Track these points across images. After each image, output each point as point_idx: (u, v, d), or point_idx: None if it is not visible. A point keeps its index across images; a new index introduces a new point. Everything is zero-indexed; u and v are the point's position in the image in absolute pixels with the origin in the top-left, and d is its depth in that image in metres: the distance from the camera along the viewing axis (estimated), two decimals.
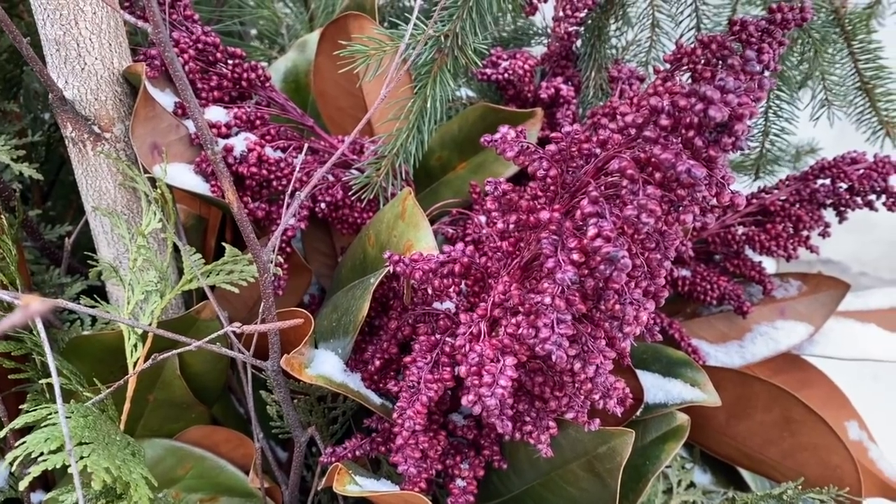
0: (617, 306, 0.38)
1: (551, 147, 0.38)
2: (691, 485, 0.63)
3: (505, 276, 0.43)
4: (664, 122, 0.33)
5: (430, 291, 0.44)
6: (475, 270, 0.44)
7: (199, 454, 0.55)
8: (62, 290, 0.55)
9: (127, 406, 0.49)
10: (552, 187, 0.39)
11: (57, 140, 0.65)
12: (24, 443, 0.38)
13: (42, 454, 0.38)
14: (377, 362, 0.49)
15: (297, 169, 0.49)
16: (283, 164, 0.54)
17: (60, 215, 0.71)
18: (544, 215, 0.37)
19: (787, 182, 0.66)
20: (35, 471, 0.36)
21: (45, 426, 0.39)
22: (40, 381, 0.48)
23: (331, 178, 0.58)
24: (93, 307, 0.48)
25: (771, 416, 0.61)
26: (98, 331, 0.53)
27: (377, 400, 0.48)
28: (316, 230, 0.66)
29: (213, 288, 0.55)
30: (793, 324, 0.68)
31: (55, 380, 0.34)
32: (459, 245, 0.44)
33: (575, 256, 0.36)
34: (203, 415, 0.56)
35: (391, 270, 0.43)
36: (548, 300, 0.37)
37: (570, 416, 0.44)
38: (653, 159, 0.34)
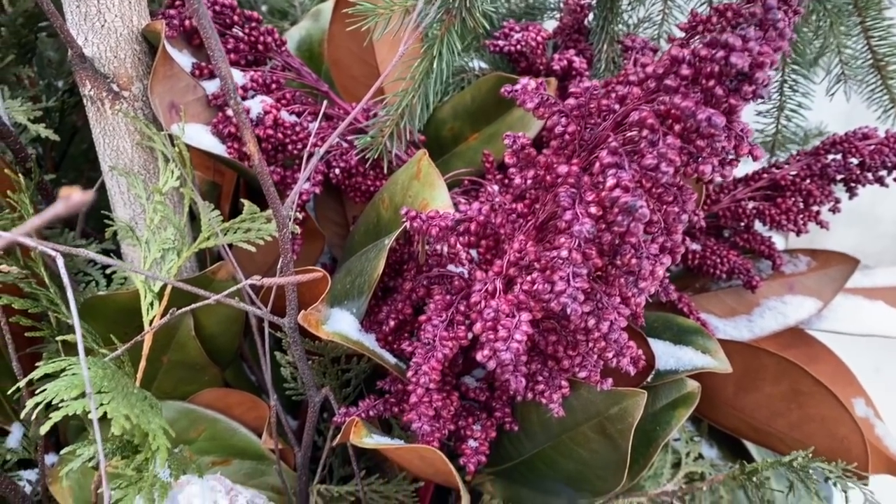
0: (633, 261, 0.38)
1: (571, 101, 0.38)
2: (699, 456, 0.64)
3: (521, 235, 0.43)
4: (685, 71, 0.33)
5: (445, 250, 0.44)
6: (490, 231, 0.45)
7: (212, 416, 0.55)
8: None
9: (142, 365, 0.49)
10: (570, 143, 0.40)
11: (71, 107, 0.66)
12: (44, 390, 0.38)
13: (63, 401, 0.39)
14: (392, 323, 0.49)
15: (313, 134, 0.49)
16: (299, 128, 0.54)
17: (72, 183, 0.71)
18: (562, 169, 0.38)
19: (798, 157, 0.66)
20: (56, 416, 0.37)
21: (65, 375, 0.40)
22: (57, 339, 0.49)
23: (345, 144, 0.58)
24: (106, 262, 0.48)
25: (779, 389, 0.61)
26: (113, 291, 0.53)
27: (392, 359, 0.48)
28: (328, 199, 0.66)
29: (230, 248, 0.55)
30: (801, 298, 0.68)
31: (75, 318, 0.34)
32: (475, 204, 0.44)
33: (592, 210, 0.37)
34: (216, 377, 0.56)
35: (408, 226, 0.43)
36: (564, 254, 0.38)
37: (582, 375, 0.44)
38: (672, 111, 0.35)
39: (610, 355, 0.43)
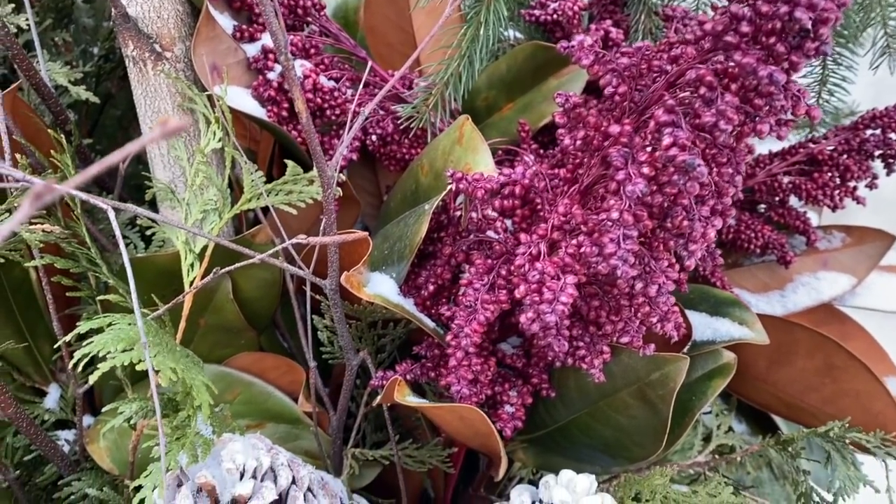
0: (685, 223, 0.38)
1: (623, 60, 0.38)
2: (730, 429, 0.63)
3: (565, 199, 0.43)
4: (745, 28, 0.33)
5: (489, 212, 0.44)
6: (533, 195, 0.45)
7: (248, 380, 0.56)
8: (116, 215, 0.56)
9: (182, 326, 0.50)
10: (620, 105, 0.39)
11: (106, 73, 0.66)
12: (91, 342, 0.39)
13: (109, 353, 0.39)
14: (430, 287, 0.49)
15: (349, 99, 0.49)
16: (337, 93, 0.54)
17: (105, 152, 0.72)
18: (614, 129, 0.37)
19: (835, 132, 0.66)
20: (104, 366, 0.37)
21: (112, 329, 0.40)
22: (98, 298, 0.49)
23: (381, 112, 0.58)
24: (153, 217, 0.48)
25: (813, 363, 0.61)
26: (153, 253, 0.54)
27: (431, 323, 0.48)
28: (361, 168, 0.66)
29: (266, 214, 0.55)
30: (835, 275, 0.68)
31: (128, 268, 0.35)
32: (519, 168, 0.44)
33: (645, 170, 0.36)
34: (252, 341, 0.57)
35: (453, 188, 0.43)
36: (615, 215, 0.37)
37: (624, 340, 0.44)
38: (730, 70, 0.34)
39: (654, 320, 0.43)
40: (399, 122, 0.57)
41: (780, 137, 0.35)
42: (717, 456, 0.57)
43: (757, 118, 0.34)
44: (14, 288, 0.57)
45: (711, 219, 0.38)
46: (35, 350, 0.59)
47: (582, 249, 0.40)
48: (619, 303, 0.44)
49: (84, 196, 0.36)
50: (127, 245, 0.55)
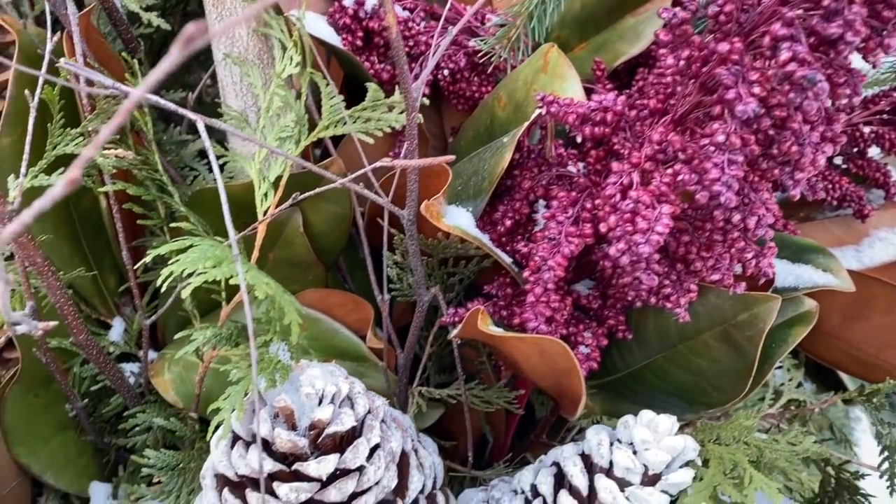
0: (793, 148, 0.36)
1: None
2: (800, 385, 0.62)
3: (660, 127, 0.41)
4: None
5: (578, 140, 0.42)
6: (624, 124, 0.43)
7: (315, 316, 0.55)
8: (184, 147, 0.55)
9: (255, 256, 0.49)
10: (725, 25, 0.37)
11: (172, 5, 0.65)
12: (177, 260, 0.38)
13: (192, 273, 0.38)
14: (507, 223, 0.48)
15: (423, 31, 0.47)
16: (411, 23, 0.53)
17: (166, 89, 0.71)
18: (723, 47, 0.35)
19: None
20: (196, 281, 0.36)
21: (195, 250, 0.39)
22: (170, 225, 0.49)
23: (454, 46, 0.56)
24: (238, 134, 0.47)
25: (891, 318, 0.59)
26: (224, 183, 0.53)
27: (507, 259, 0.47)
28: (426, 110, 0.65)
29: (335, 145, 0.54)
30: None
31: (217, 174, 0.34)
32: (611, 94, 0.43)
33: (756, 90, 0.35)
34: (319, 277, 0.56)
35: (544, 111, 0.42)
36: (720, 138, 0.36)
37: (715, 277, 0.43)
38: None
39: (749, 256, 0.41)
40: (472, 57, 0.55)
41: None
42: (792, 408, 0.55)
43: (884, 32, 0.32)
44: (82, 218, 0.56)
45: (821, 145, 0.36)
46: (100, 282, 0.59)
47: (679, 178, 0.38)
48: (712, 238, 0.42)
49: (172, 106, 0.35)
50: (195, 178, 0.55)
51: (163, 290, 0.57)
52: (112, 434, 0.60)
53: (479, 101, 0.58)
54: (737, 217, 0.39)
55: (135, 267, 0.52)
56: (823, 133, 0.36)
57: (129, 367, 0.59)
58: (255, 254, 0.49)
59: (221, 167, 0.54)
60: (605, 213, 0.41)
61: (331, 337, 0.55)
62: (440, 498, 0.48)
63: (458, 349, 0.52)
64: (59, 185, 0.19)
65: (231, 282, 0.36)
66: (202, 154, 0.56)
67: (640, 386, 0.52)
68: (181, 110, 0.36)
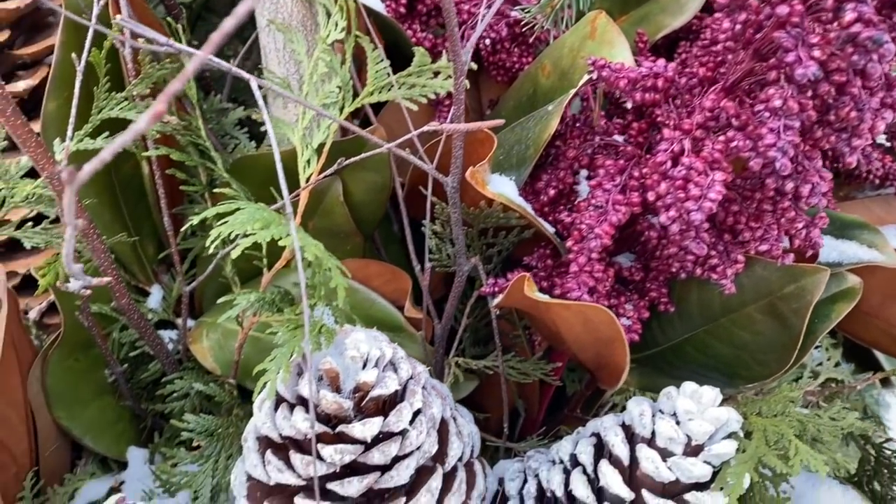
0: (853, 114, 0.35)
1: None
2: (837, 364, 0.61)
3: (711, 94, 0.40)
4: None
5: (628, 106, 0.42)
6: (673, 91, 0.42)
7: (353, 286, 0.55)
8: (224, 115, 0.55)
9: (297, 221, 0.49)
10: None
11: None
12: (226, 222, 0.38)
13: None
14: (551, 192, 0.47)
15: (465, 0, 0.47)
16: None
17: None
18: (782, 10, 0.35)
19: None
20: (245, 242, 0.36)
21: (241, 213, 0.39)
22: (214, 190, 0.49)
23: (495, 15, 0.56)
24: (285, 95, 0.47)
25: None
26: (265, 150, 0.53)
27: (550, 228, 0.47)
28: None
29: (376, 114, 0.54)
30: None
31: (271, 134, 0.34)
32: (661, 61, 0.42)
33: (816, 53, 0.34)
34: (358, 247, 0.56)
35: (595, 76, 0.41)
36: (777, 103, 0.35)
37: (763, 248, 0.42)
38: None
39: (799, 226, 0.41)
40: (513, 28, 0.55)
41: None
42: (833, 385, 0.55)
43: None
44: (123, 184, 0.57)
45: (881, 111, 0.35)
46: (140, 249, 0.60)
47: (733, 144, 0.38)
48: (761, 208, 0.42)
49: (225, 65, 0.35)
50: (235, 146, 0.55)
51: (206, 254, 0.57)
52: (149, 400, 0.61)
53: (518, 72, 0.58)
54: (790, 185, 0.38)
55: (176, 233, 0.53)
56: (883, 99, 0.36)
57: (167, 335, 0.59)
58: (298, 220, 0.49)
59: (263, 135, 0.54)
60: (653, 182, 0.41)
61: (368, 307, 0.55)
62: (477, 466, 0.48)
63: (497, 320, 0.52)
64: (145, 117, 0.19)
65: (281, 243, 0.36)
66: (242, 123, 0.56)
67: (679, 360, 0.51)
68: (239, 72, 0.36)
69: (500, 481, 0.52)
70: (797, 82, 0.34)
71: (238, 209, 0.41)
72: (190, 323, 0.60)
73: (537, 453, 0.52)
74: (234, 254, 0.36)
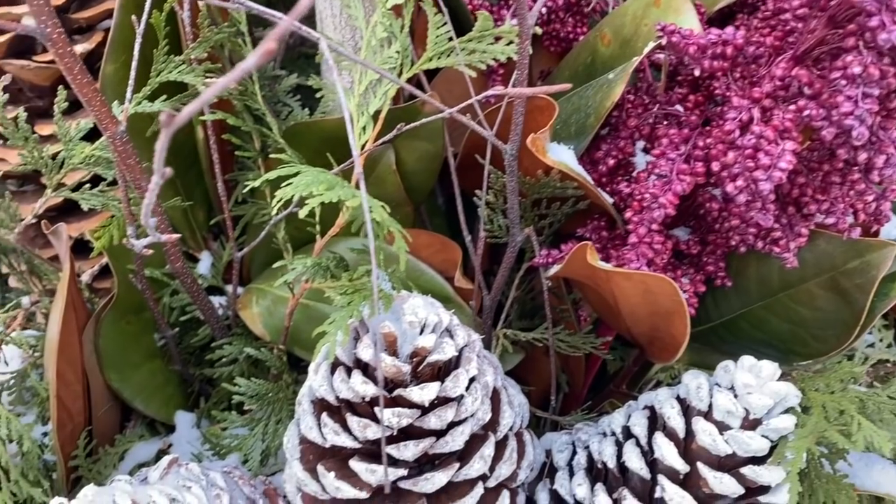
0: None
1: None
2: (890, 345, 0.60)
3: (782, 63, 0.40)
4: None
5: (696, 73, 0.41)
6: (742, 59, 0.42)
7: None
8: (277, 83, 0.55)
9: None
10: None
11: None
12: (290, 184, 0.38)
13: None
14: (611, 161, 0.47)
15: None
16: None
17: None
18: None
19: None
20: (314, 202, 0.36)
21: (303, 175, 0.39)
22: (271, 156, 0.49)
23: None
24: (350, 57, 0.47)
25: None
26: (320, 118, 0.53)
27: (609, 199, 0.46)
28: None
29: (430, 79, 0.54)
30: None
31: (341, 93, 0.34)
32: (729, 28, 0.41)
33: None
34: (408, 217, 0.56)
35: (664, 42, 0.41)
36: (856, 69, 0.34)
37: (829, 221, 0.42)
38: None
39: (869, 199, 0.40)
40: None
41: None
42: (890, 364, 0.54)
43: None
44: (176, 150, 0.57)
45: None
46: (190, 215, 0.60)
47: (805, 113, 0.37)
48: (829, 180, 0.41)
49: (306, 29, 0.35)
50: (288, 114, 0.55)
51: (257, 221, 0.58)
52: (196, 365, 0.61)
53: (573, 42, 0.57)
54: (863, 156, 0.38)
55: (228, 200, 0.53)
56: None
57: (216, 300, 0.60)
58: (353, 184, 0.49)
59: (315, 104, 0.54)
60: (718, 152, 0.40)
61: (416, 277, 0.55)
62: (527, 436, 0.48)
63: (547, 292, 0.51)
64: (254, 56, 0.19)
65: (350, 203, 0.36)
66: (294, 90, 0.56)
67: (733, 336, 0.51)
68: (309, 31, 0.35)
69: (547, 453, 0.52)
70: (879, 48, 0.33)
71: (299, 173, 0.41)
72: (238, 290, 0.61)
73: (586, 426, 0.52)
74: (302, 213, 0.36)
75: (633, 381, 0.62)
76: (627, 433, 0.46)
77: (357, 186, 0.53)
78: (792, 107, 0.38)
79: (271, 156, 0.49)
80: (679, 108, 0.46)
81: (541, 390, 0.62)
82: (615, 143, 0.47)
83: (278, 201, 0.38)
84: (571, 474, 0.48)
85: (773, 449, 0.42)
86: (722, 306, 0.50)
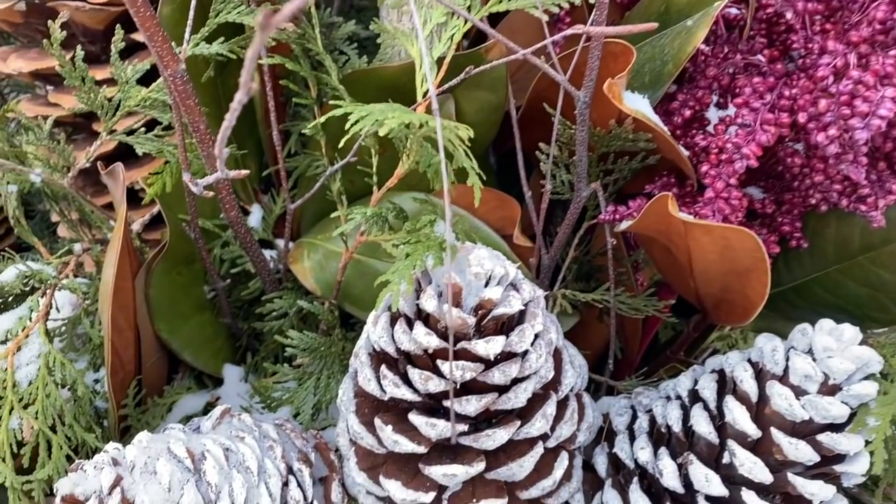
0: None
1: None
2: None
3: (882, 6, 0.37)
4: None
5: (788, 16, 0.39)
6: (838, 2, 0.39)
7: (457, 212, 0.54)
8: (334, 29, 0.54)
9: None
10: None
11: None
12: (349, 113, 0.37)
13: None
14: (687, 112, 0.45)
15: None
16: None
17: None
18: None
19: None
20: (390, 122, 0.35)
21: (375, 109, 0.38)
22: (330, 102, 0.47)
23: None
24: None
25: None
26: (378, 65, 0.52)
27: (685, 151, 0.44)
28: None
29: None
30: None
31: (416, 19, 0.32)
32: None
33: None
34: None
35: None
36: None
37: None
38: None
39: None
40: None
41: None
42: None
43: None
44: (228, 97, 0.56)
45: None
46: (242, 166, 0.59)
47: None
48: None
49: None
50: (346, 61, 0.53)
51: (310, 173, 0.56)
52: (245, 319, 0.61)
53: None
54: None
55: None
56: None
57: (266, 254, 0.59)
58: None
59: (372, 55, 0.53)
60: (806, 101, 0.38)
61: (473, 233, 0.53)
62: (586, 398, 0.47)
63: (611, 251, 0.50)
64: None
65: (427, 126, 0.34)
66: (350, 39, 0.54)
67: (804, 300, 0.49)
68: None
69: (604, 417, 0.51)
70: None
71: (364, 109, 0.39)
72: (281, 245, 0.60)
73: (646, 390, 0.50)
74: (382, 131, 0.34)
75: (689, 349, 0.61)
76: (695, 397, 0.44)
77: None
78: (893, 52, 0.36)
79: (330, 102, 0.48)
80: (761, 57, 0.44)
81: (591, 356, 0.60)
82: (692, 93, 0.44)
83: (353, 123, 0.36)
84: (632, 438, 0.47)
85: (851, 416, 0.40)
86: (794, 269, 0.48)
